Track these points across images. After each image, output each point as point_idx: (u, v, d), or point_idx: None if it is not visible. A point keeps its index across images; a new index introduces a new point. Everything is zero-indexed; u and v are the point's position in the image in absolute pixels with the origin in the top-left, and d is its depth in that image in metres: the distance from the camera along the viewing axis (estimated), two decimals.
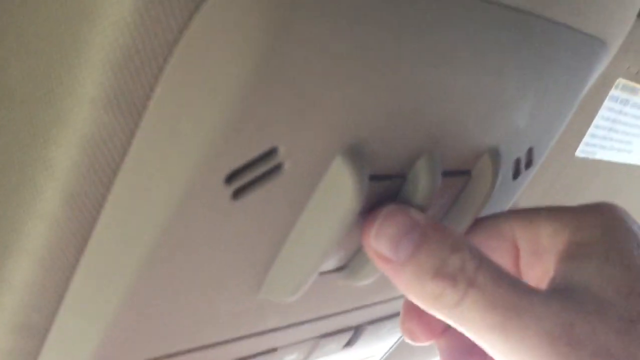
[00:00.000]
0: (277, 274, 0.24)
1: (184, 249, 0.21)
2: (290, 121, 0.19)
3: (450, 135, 0.26)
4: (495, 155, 0.28)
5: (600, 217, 0.25)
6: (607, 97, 0.45)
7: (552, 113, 0.30)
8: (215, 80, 0.18)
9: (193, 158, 0.18)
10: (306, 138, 0.20)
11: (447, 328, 0.29)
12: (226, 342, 0.27)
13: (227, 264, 0.22)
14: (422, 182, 0.25)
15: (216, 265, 0.22)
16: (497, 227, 0.28)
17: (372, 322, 0.35)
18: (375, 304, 0.33)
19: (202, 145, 0.18)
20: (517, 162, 0.31)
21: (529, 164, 0.32)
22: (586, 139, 0.46)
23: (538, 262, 0.26)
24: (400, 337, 0.41)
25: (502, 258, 0.25)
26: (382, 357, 0.43)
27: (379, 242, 0.24)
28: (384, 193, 0.25)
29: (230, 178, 0.20)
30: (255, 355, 0.29)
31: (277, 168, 0.20)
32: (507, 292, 0.22)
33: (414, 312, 0.29)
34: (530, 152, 0.31)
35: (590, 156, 0.48)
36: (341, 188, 0.22)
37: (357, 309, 0.33)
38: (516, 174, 0.31)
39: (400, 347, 0.44)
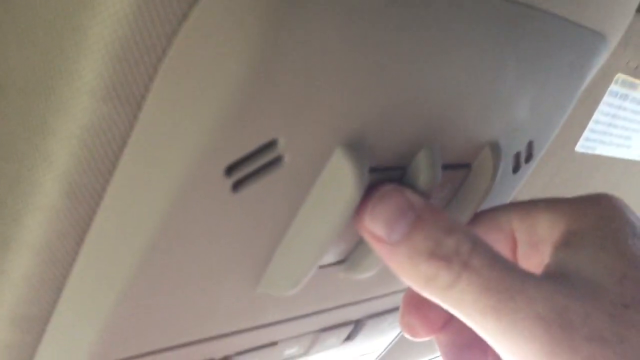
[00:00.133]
0: (277, 267, 0.24)
1: (183, 241, 0.21)
2: (290, 113, 0.19)
3: (451, 128, 0.26)
4: (495, 148, 0.28)
5: (597, 207, 0.25)
6: (607, 92, 0.45)
7: (552, 107, 0.30)
8: (214, 72, 0.17)
9: (192, 149, 0.18)
10: (306, 130, 0.20)
11: (447, 322, 0.29)
12: (226, 335, 0.27)
13: (226, 257, 0.22)
14: (422, 175, 0.25)
15: (216, 258, 0.22)
16: (494, 220, 0.28)
17: (373, 316, 0.35)
18: (375, 297, 0.33)
19: (201, 136, 0.18)
20: (517, 155, 0.31)
21: (529, 157, 0.31)
22: (586, 134, 0.46)
23: (535, 252, 0.26)
24: (401, 332, 0.41)
25: (499, 250, 0.25)
26: (382, 352, 0.43)
27: (374, 222, 0.24)
28: None
29: (230, 170, 0.20)
30: (255, 349, 0.29)
31: (277, 160, 0.20)
32: (501, 275, 0.22)
33: (413, 306, 0.29)
34: (530, 145, 0.31)
35: (590, 151, 0.48)
36: (341, 180, 0.22)
37: (357, 302, 0.33)
38: (516, 168, 0.31)
39: (400, 342, 0.44)
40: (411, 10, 0.20)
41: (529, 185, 0.45)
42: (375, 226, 0.24)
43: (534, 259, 0.27)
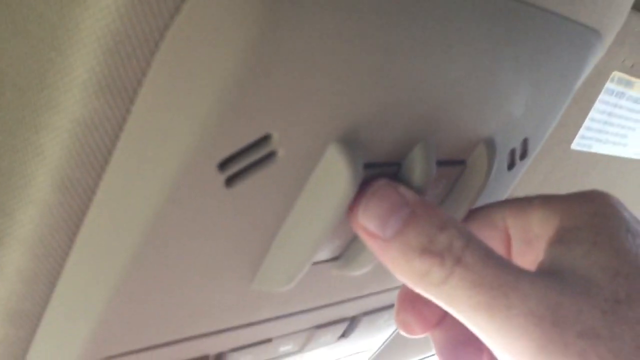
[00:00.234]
0: (271, 264, 0.24)
1: (176, 237, 0.21)
2: (284, 108, 0.19)
3: (446, 124, 0.26)
4: (490, 145, 0.28)
5: (591, 204, 0.25)
6: (603, 90, 0.45)
7: (547, 104, 0.30)
8: (208, 66, 0.17)
9: (185, 144, 0.18)
10: (300, 125, 0.20)
11: (442, 320, 0.29)
12: (220, 331, 0.27)
13: (220, 253, 0.22)
14: (416, 171, 0.25)
15: (209, 254, 0.22)
16: (488, 217, 0.28)
17: (368, 313, 0.35)
18: (370, 294, 0.33)
19: (194, 131, 0.18)
20: (512, 152, 0.31)
21: (524, 154, 0.31)
22: (582, 132, 0.46)
23: (529, 249, 0.26)
24: (396, 329, 0.41)
25: (493, 247, 0.25)
26: (377, 350, 0.43)
27: (367, 217, 0.24)
28: None
29: (224, 165, 0.20)
30: (249, 346, 0.29)
31: (271, 155, 0.20)
32: (493, 271, 0.22)
33: (408, 303, 0.29)
34: (525, 142, 0.31)
35: (586, 149, 0.48)
36: (335, 176, 0.22)
37: (352, 299, 0.32)
38: (511, 165, 0.31)
39: (395, 340, 0.44)
40: (406, 7, 0.20)
41: (524, 182, 0.45)
42: (368, 222, 0.24)
43: (528, 255, 0.27)
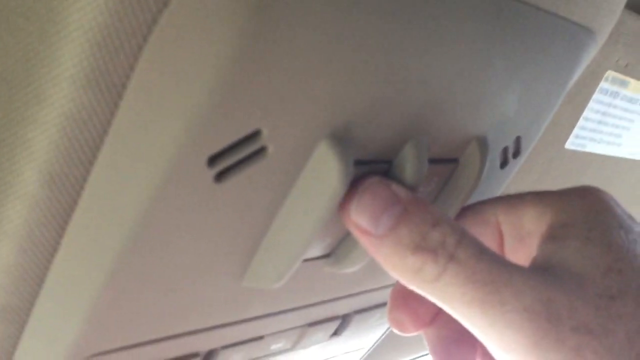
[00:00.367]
0: (262, 260, 0.24)
1: (166, 232, 0.20)
2: (274, 104, 0.19)
3: (438, 122, 0.26)
4: (482, 143, 0.28)
5: (584, 200, 0.25)
6: (597, 90, 0.45)
7: (540, 102, 0.30)
8: (196, 60, 0.17)
9: (174, 139, 0.18)
10: (290, 121, 0.20)
11: (435, 318, 0.29)
12: (211, 328, 0.26)
13: (210, 249, 0.22)
14: (408, 168, 0.25)
15: (199, 250, 0.22)
16: (480, 214, 0.28)
17: (360, 311, 0.35)
18: (362, 292, 0.33)
19: (183, 126, 0.18)
20: (505, 151, 0.31)
21: (516, 153, 0.31)
22: (576, 131, 0.46)
23: (522, 246, 0.26)
24: (388, 328, 0.41)
25: (486, 244, 0.25)
26: (370, 349, 0.43)
27: (359, 214, 0.23)
28: None
29: (213, 160, 0.19)
30: (241, 343, 0.29)
31: (261, 151, 0.20)
32: (487, 267, 0.22)
33: (401, 301, 0.29)
34: (518, 141, 0.31)
35: (580, 149, 0.48)
36: (326, 173, 0.22)
37: (344, 297, 0.32)
38: (504, 163, 0.31)
39: (388, 339, 0.44)
40: (397, 4, 0.20)
41: (518, 182, 0.45)
42: (361, 219, 0.24)
43: (521, 252, 0.27)
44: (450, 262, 0.22)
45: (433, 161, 0.27)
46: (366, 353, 0.43)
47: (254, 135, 0.20)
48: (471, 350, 0.29)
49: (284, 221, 0.23)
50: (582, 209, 0.25)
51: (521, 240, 0.26)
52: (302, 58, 0.19)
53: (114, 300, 0.21)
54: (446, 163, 0.28)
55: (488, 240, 0.27)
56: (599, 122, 0.47)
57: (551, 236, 0.24)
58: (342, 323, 0.35)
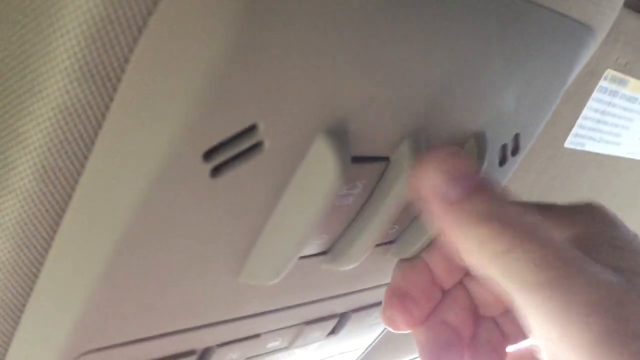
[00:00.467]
0: (258, 257, 0.24)
1: (161, 228, 0.20)
2: (270, 98, 0.19)
3: (436, 118, 0.25)
4: (481, 139, 0.28)
5: (592, 213, 0.25)
6: (596, 89, 0.44)
7: (539, 99, 0.30)
8: (192, 54, 0.17)
9: (170, 133, 0.18)
10: (287, 116, 0.20)
11: (428, 318, 0.29)
12: (207, 326, 0.26)
13: (206, 245, 0.22)
14: (406, 165, 0.25)
15: (195, 246, 0.22)
16: None
17: (357, 310, 0.35)
18: (360, 291, 0.33)
19: (178, 119, 0.18)
20: (504, 148, 0.31)
21: (515, 150, 0.31)
22: (575, 130, 0.46)
23: None
24: (384, 329, 0.41)
25: None
26: (366, 349, 0.43)
27: (435, 175, 0.23)
28: (367, 175, 0.25)
29: (209, 154, 0.19)
30: (237, 341, 0.29)
31: (257, 146, 0.20)
32: (562, 250, 0.21)
33: (395, 301, 0.29)
34: (517, 138, 0.31)
35: (579, 147, 0.48)
36: (323, 168, 0.22)
37: (341, 295, 0.32)
38: (503, 161, 0.31)
39: (385, 339, 0.43)
40: (395, 0, 0.20)
41: (517, 181, 0.45)
42: (436, 179, 0.23)
43: None
44: (526, 238, 0.21)
45: None
46: (363, 353, 0.43)
47: (250, 129, 0.20)
48: (460, 357, 0.29)
49: (280, 217, 0.23)
50: (594, 220, 0.25)
51: None
52: (298, 53, 0.19)
53: (108, 297, 0.21)
54: None
55: None
56: (598, 121, 0.47)
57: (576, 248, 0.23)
58: (339, 322, 0.34)
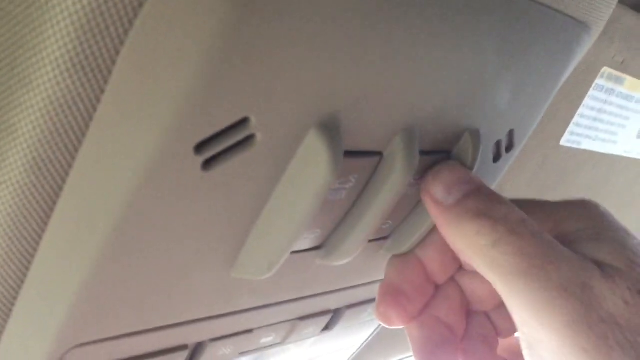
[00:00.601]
0: (251, 251, 0.24)
1: (153, 221, 0.20)
2: (262, 91, 0.19)
3: (429, 114, 0.25)
4: (475, 135, 0.28)
5: (584, 210, 0.27)
6: (592, 87, 0.44)
7: (534, 95, 0.30)
8: (183, 46, 0.17)
9: (161, 125, 0.18)
10: (279, 109, 0.20)
11: (422, 313, 0.29)
12: (199, 320, 0.26)
13: (198, 239, 0.22)
14: (399, 160, 0.25)
15: (187, 239, 0.22)
16: None
17: (351, 306, 0.35)
18: (354, 287, 0.33)
19: (170, 111, 0.18)
20: (498, 144, 0.31)
21: (510, 146, 0.31)
22: (571, 127, 0.46)
23: None
24: (378, 327, 0.41)
25: None
26: (359, 347, 0.43)
27: (435, 185, 0.26)
28: (359, 170, 0.25)
29: (201, 147, 0.19)
30: (230, 336, 0.29)
31: (249, 139, 0.20)
32: (539, 243, 0.24)
33: (389, 297, 0.29)
34: (511, 134, 0.31)
35: (576, 146, 0.48)
36: (315, 162, 0.22)
37: (335, 291, 0.32)
38: (497, 157, 0.31)
39: (379, 337, 0.43)
40: None
41: (513, 178, 0.45)
42: (435, 189, 0.26)
43: None
44: (508, 232, 0.24)
45: (424, 153, 0.26)
46: (356, 351, 0.43)
47: (243, 122, 0.19)
48: (453, 353, 0.29)
49: (273, 211, 0.23)
50: (584, 216, 0.27)
51: None
52: (291, 47, 0.19)
53: (99, 290, 0.21)
54: (438, 155, 0.28)
55: None
56: (595, 119, 0.47)
57: (560, 242, 0.25)
58: (333, 318, 0.34)
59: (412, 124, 0.25)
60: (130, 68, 0.17)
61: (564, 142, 0.46)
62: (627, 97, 0.48)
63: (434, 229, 0.29)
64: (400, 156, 0.25)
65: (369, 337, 0.42)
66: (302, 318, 0.32)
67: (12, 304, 0.22)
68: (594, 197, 0.29)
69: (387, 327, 0.29)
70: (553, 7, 0.27)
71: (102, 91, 0.18)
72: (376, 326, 0.41)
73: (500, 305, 0.29)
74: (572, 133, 0.46)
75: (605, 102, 0.46)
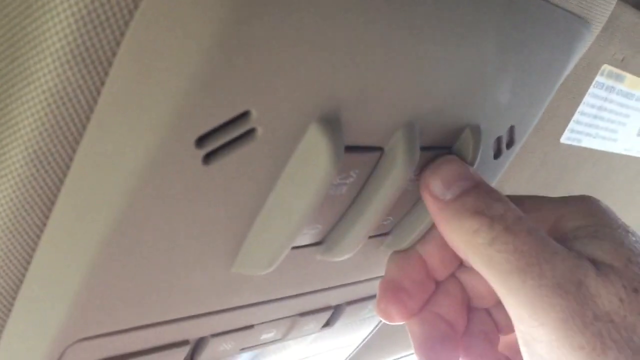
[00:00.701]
0: (251, 246, 0.24)
1: (153, 215, 0.20)
2: (263, 85, 0.19)
3: (430, 109, 0.25)
4: (476, 131, 0.28)
5: (584, 206, 0.27)
6: (592, 84, 0.44)
7: (534, 91, 0.30)
8: (184, 39, 0.17)
9: (162, 117, 0.18)
10: (280, 103, 0.20)
11: (422, 309, 0.29)
12: (200, 316, 0.26)
13: (199, 233, 0.22)
14: (400, 155, 0.25)
15: (188, 234, 0.22)
16: None
17: (352, 302, 0.35)
18: (354, 283, 0.33)
19: (171, 105, 0.18)
20: (499, 140, 0.31)
21: (510, 143, 0.31)
22: (571, 125, 0.46)
23: None
24: (378, 323, 0.41)
25: None
26: (359, 345, 0.43)
27: (433, 180, 0.26)
28: (360, 165, 0.25)
29: (202, 140, 0.19)
30: (231, 332, 0.29)
31: (250, 132, 0.20)
32: (535, 241, 0.24)
33: (390, 293, 0.29)
34: (511, 130, 0.31)
35: (576, 143, 0.48)
36: (316, 156, 0.22)
37: (336, 288, 0.32)
38: (497, 154, 0.31)
39: (378, 335, 0.43)
40: None
41: (513, 176, 0.45)
42: (433, 185, 0.26)
43: None
44: (504, 231, 0.24)
45: (425, 149, 0.26)
46: (355, 349, 0.43)
47: (243, 116, 0.19)
48: (454, 350, 0.29)
49: (274, 205, 0.23)
50: (583, 214, 0.27)
51: None
52: (292, 41, 0.19)
53: (100, 284, 0.21)
54: (439, 151, 0.28)
55: None
56: (595, 117, 0.47)
57: (558, 239, 0.25)
58: (333, 314, 0.34)
59: (413, 120, 0.25)
60: (130, 60, 0.17)
61: (564, 139, 0.46)
62: (628, 95, 0.48)
63: (434, 225, 0.29)
64: (401, 151, 0.25)
65: (369, 334, 0.42)
66: (303, 314, 0.32)
67: (13, 299, 0.22)
68: (594, 195, 0.29)
69: (388, 323, 0.29)
70: (553, 3, 0.27)
71: (103, 83, 0.18)
72: (377, 323, 0.40)
73: (501, 302, 0.29)
74: (572, 131, 0.46)
75: (605, 99, 0.46)
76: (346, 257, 0.28)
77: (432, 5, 0.22)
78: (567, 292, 0.23)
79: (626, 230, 0.26)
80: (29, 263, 0.21)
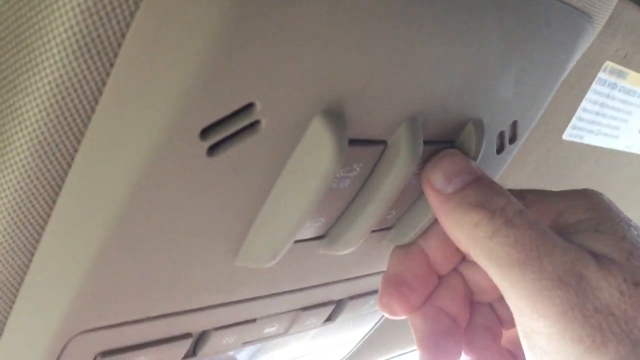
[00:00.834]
0: (254, 238, 0.24)
1: (158, 207, 0.20)
2: (268, 77, 0.19)
3: (434, 103, 0.25)
4: (479, 125, 0.28)
5: (586, 200, 0.27)
6: (595, 81, 0.44)
7: (537, 86, 0.30)
8: (189, 30, 0.17)
9: (167, 109, 0.18)
10: (284, 96, 0.20)
11: (424, 303, 0.29)
12: (203, 309, 0.26)
13: (202, 225, 0.22)
14: (403, 149, 0.25)
15: (191, 226, 0.22)
16: None
17: (354, 297, 0.35)
18: (357, 278, 0.33)
19: (175, 96, 0.18)
20: (502, 135, 0.31)
21: (513, 138, 0.31)
22: (573, 121, 0.46)
23: None
24: (380, 319, 0.41)
25: None
26: (360, 341, 0.43)
27: (435, 174, 0.26)
28: (364, 158, 0.25)
29: (206, 132, 0.19)
30: (234, 325, 0.29)
31: (254, 124, 0.20)
32: (535, 235, 0.24)
33: (392, 287, 0.29)
34: (514, 125, 0.31)
35: (578, 140, 0.48)
36: (320, 149, 0.22)
37: (338, 282, 0.32)
38: (500, 149, 0.31)
39: (379, 332, 0.43)
40: None
41: (515, 172, 0.45)
42: (435, 178, 0.26)
43: None
44: (505, 224, 0.24)
45: (428, 143, 0.26)
46: (356, 346, 0.43)
47: (248, 108, 0.19)
48: (456, 344, 0.29)
49: (277, 198, 0.23)
50: (585, 207, 0.27)
51: None
52: (296, 33, 0.19)
53: (104, 277, 0.21)
54: (442, 145, 0.28)
55: None
56: (597, 114, 0.47)
57: (560, 233, 0.25)
58: (335, 309, 0.34)
59: (416, 113, 0.25)
60: (136, 52, 0.17)
61: (566, 136, 0.46)
62: (630, 92, 0.48)
63: (437, 219, 0.29)
64: (405, 145, 0.25)
65: (370, 330, 0.42)
66: (305, 308, 0.32)
67: (17, 290, 0.22)
68: None
69: (390, 318, 0.29)
70: None
71: (108, 74, 0.18)
72: (378, 318, 0.41)
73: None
74: (574, 127, 0.46)
75: (607, 96, 0.46)
76: (349, 251, 0.28)
77: (436, 2, 0.22)
78: (568, 285, 0.23)
79: (628, 224, 0.26)
80: (33, 254, 0.21)
